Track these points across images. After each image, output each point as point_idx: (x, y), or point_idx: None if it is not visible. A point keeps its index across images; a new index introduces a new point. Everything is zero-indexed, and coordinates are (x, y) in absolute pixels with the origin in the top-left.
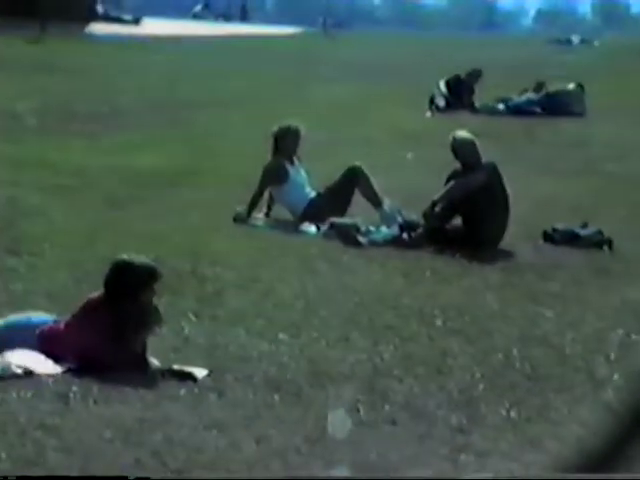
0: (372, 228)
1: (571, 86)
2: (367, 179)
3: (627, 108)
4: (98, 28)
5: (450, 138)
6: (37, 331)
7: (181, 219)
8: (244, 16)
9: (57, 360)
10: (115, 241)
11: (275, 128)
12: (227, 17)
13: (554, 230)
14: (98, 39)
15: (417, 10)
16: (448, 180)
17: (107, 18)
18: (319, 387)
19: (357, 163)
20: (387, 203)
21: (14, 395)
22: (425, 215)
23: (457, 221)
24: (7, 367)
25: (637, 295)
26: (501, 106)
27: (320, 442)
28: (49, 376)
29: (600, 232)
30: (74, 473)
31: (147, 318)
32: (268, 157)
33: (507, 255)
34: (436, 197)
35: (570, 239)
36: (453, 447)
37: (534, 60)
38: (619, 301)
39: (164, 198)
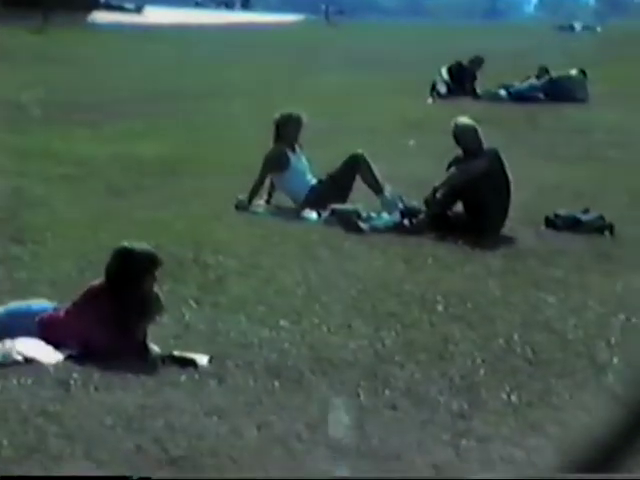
0: (373, 214)
1: (573, 72)
2: (368, 166)
3: (629, 95)
4: (100, 17)
5: (452, 125)
6: (37, 318)
7: (183, 207)
8: (246, 4)
9: (57, 347)
10: (118, 229)
11: (277, 116)
12: (229, 5)
13: (556, 216)
14: (100, 28)
15: None
16: (449, 166)
17: (109, 7)
18: (320, 373)
19: (358, 150)
20: (388, 190)
21: (15, 382)
22: (427, 201)
23: (459, 207)
24: (8, 354)
25: (638, 280)
26: (503, 92)
27: (321, 428)
28: (50, 363)
29: (602, 217)
30: (76, 459)
31: (148, 305)
32: (270, 145)
33: (509, 241)
34: (437, 183)
35: (572, 224)
36: (454, 433)
37: (536, 47)
38: (621, 286)
39: (166, 186)
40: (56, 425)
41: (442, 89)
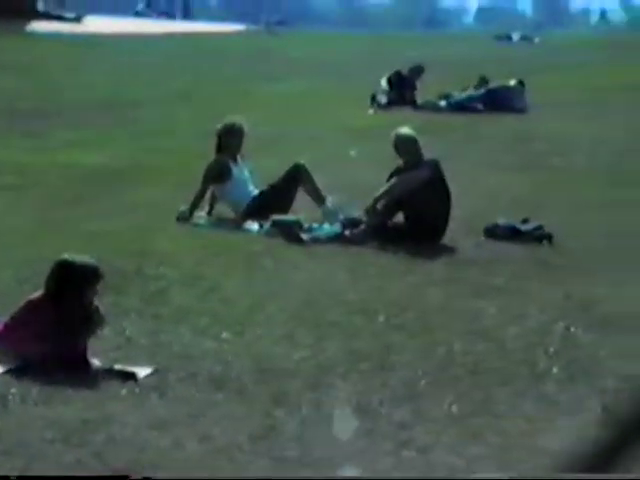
0: (315, 225)
1: (512, 82)
2: (310, 177)
3: (568, 103)
4: (39, 26)
5: (392, 135)
6: None
7: (125, 218)
8: (187, 13)
9: None
10: (59, 240)
11: (219, 126)
12: (170, 15)
13: (495, 226)
14: (40, 36)
15: (362, 9)
16: (390, 177)
17: (48, 16)
18: (263, 384)
19: (300, 161)
20: (330, 200)
21: None
22: (367, 212)
23: (399, 218)
24: None
25: (578, 288)
26: (443, 103)
27: (264, 439)
28: None
29: (540, 227)
30: (15, 474)
31: (89, 318)
32: (213, 155)
33: (450, 251)
34: (378, 194)
35: (511, 234)
36: (396, 443)
37: (476, 57)
38: (560, 294)
39: (108, 197)
40: None
41: (382, 99)
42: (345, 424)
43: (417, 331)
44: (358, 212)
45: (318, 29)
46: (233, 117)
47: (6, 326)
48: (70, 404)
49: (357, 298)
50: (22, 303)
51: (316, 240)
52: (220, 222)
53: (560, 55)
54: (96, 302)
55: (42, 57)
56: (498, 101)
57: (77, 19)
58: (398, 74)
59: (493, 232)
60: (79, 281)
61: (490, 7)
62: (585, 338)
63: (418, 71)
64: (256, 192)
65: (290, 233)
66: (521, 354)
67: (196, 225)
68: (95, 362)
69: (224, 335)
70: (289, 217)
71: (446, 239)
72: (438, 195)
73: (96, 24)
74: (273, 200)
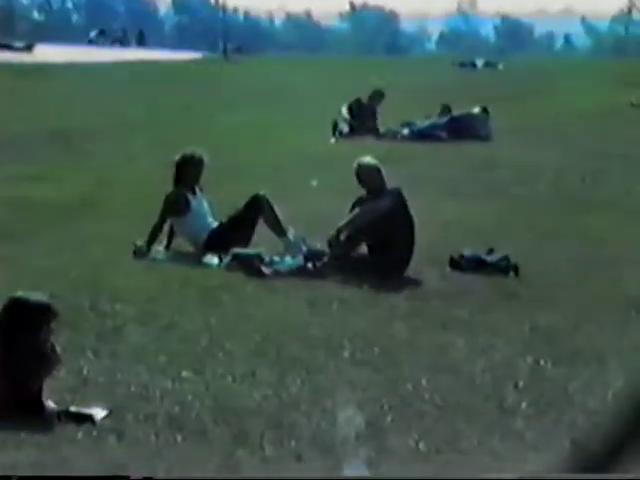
0: (276, 258)
1: (476, 110)
2: (271, 208)
3: (531, 130)
4: None
5: (354, 165)
6: None
7: (79, 253)
8: (141, 41)
9: None
10: (10, 277)
11: (177, 157)
12: (123, 42)
13: (461, 256)
14: None
15: (320, 34)
16: (353, 207)
17: None
18: (224, 424)
19: (260, 192)
20: (291, 232)
21: None
22: (330, 243)
23: (363, 249)
24: None
25: (545, 320)
26: (406, 131)
27: None
28: None
29: (506, 258)
30: None
31: (44, 358)
32: (171, 186)
33: (414, 282)
34: (341, 225)
35: (477, 265)
36: None
37: (439, 83)
38: (527, 326)
39: (61, 231)
40: None
41: (344, 128)
42: (308, 463)
43: (382, 366)
44: (320, 243)
45: (277, 55)
46: (192, 147)
47: None
48: (23, 448)
49: (320, 333)
50: None
51: (278, 273)
52: (178, 256)
53: (524, 82)
54: (51, 340)
55: None
56: (462, 129)
57: (28, 48)
58: (358, 102)
59: (458, 263)
60: (33, 320)
61: (451, 32)
62: (553, 371)
63: (378, 97)
64: (215, 224)
65: (251, 267)
66: (489, 388)
67: (153, 259)
68: (50, 404)
69: (183, 374)
70: (250, 250)
71: (410, 270)
72: (402, 225)
73: (47, 53)
74: (233, 232)
